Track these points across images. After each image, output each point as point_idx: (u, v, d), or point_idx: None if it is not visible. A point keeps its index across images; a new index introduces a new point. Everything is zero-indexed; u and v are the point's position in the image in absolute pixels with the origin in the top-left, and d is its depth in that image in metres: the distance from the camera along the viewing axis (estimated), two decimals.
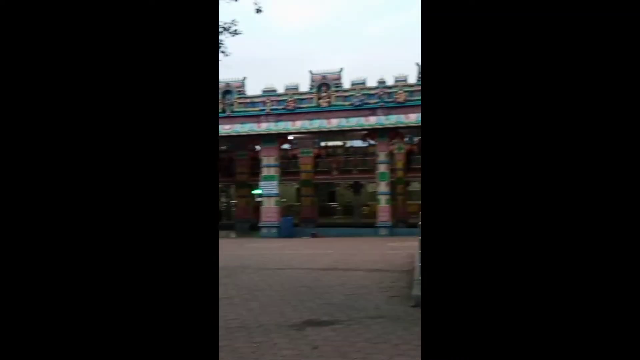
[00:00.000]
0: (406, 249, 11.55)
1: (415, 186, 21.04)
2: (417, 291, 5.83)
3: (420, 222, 6.85)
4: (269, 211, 20.31)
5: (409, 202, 20.89)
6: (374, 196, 20.54)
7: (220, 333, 3.76)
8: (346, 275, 8.46)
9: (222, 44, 7.80)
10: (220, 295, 5.37)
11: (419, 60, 19.23)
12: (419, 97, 18.92)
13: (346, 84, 20.31)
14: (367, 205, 21.85)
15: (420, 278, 6.04)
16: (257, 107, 20.93)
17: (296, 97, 20.59)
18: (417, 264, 7.01)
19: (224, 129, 20.25)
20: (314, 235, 19.10)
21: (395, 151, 20.89)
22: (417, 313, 5.22)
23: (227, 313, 5.30)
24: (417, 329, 4.53)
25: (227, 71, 10.70)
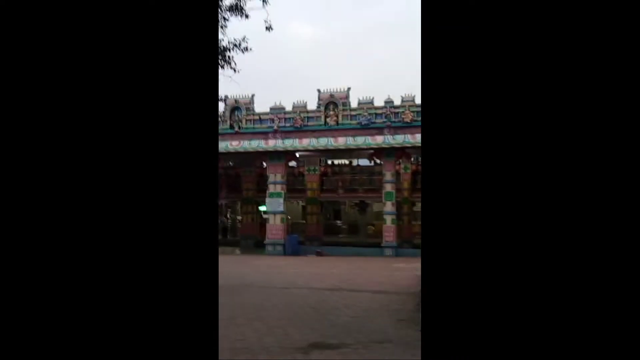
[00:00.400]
0: (412, 270, 11.43)
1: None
2: None
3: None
4: (275, 228, 20.24)
5: (414, 223, 20.75)
6: (379, 216, 20.44)
7: (223, 355, 3.68)
8: (352, 296, 8.37)
9: (232, 60, 7.87)
10: (224, 315, 5.29)
11: None
12: None
13: (354, 103, 20.39)
14: (373, 225, 21.74)
15: None
16: (265, 124, 21.04)
17: (304, 115, 20.68)
18: None
19: (232, 145, 20.34)
20: (318, 254, 18.99)
21: (402, 171, 20.85)
22: None
23: (231, 333, 5.22)
24: None
25: (236, 88, 10.82)
